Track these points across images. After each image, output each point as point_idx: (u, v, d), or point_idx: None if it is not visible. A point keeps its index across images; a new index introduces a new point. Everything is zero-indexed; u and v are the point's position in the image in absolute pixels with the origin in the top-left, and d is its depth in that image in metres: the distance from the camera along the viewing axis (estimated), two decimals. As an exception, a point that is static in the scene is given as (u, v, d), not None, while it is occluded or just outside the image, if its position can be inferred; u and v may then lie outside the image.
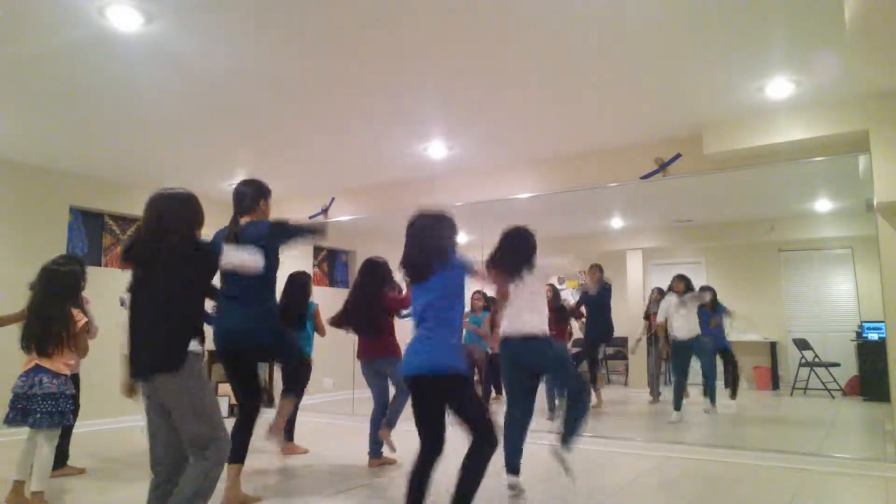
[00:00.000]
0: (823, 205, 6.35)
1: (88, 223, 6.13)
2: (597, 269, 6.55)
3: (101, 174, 5.97)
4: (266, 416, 6.04)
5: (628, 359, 8.18)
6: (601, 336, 6.60)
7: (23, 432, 3.24)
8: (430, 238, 2.63)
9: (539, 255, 3.41)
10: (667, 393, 6.59)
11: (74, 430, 3.99)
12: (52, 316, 3.20)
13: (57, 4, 2.90)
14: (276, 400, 3.45)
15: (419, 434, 2.58)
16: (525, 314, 3.27)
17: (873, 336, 6.25)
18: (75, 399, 3.32)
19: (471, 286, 5.47)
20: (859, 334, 6.57)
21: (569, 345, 6.55)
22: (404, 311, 4.29)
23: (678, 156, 4.84)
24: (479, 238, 5.21)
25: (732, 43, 3.36)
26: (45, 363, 3.17)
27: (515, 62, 3.59)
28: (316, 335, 4.83)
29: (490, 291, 3.72)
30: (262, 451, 4.65)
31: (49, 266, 3.32)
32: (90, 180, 6.01)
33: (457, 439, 2.57)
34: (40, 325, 3.18)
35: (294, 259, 6.19)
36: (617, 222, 7.64)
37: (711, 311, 6.17)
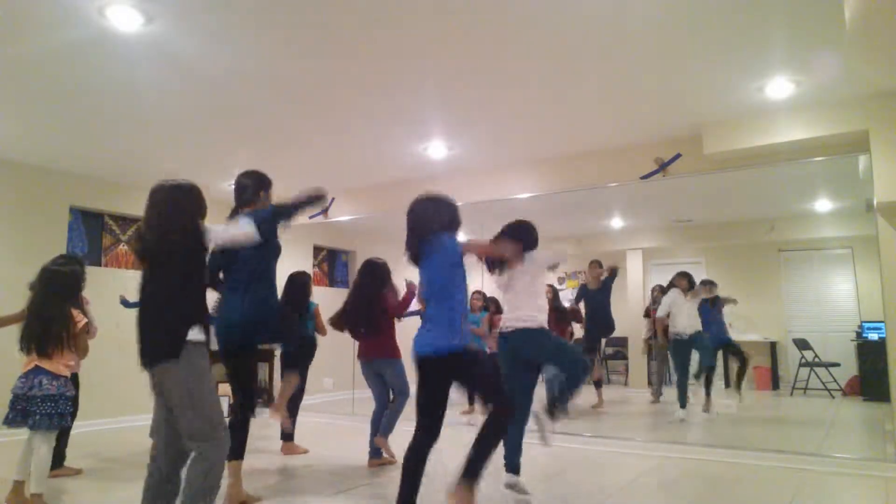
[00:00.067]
0: (823, 205, 6.35)
1: (88, 223, 6.13)
2: (596, 264, 6.56)
3: (101, 174, 5.97)
4: (265, 416, 6.07)
5: (628, 359, 8.18)
6: (601, 332, 6.61)
7: (23, 432, 3.24)
8: (422, 220, 2.73)
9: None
10: (668, 393, 6.59)
11: (74, 431, 3.99)
12: (52, 316, 3.20)
13: (57, 4, 2.90)
14: (278, 419, 3.46)
15: (418, 418, 2.62)
16: (524, 308, 3.27)
17: (873, 336, 6.26)
18: (74, 400, 3.32)
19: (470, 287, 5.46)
20: (859, 334, 6.58)
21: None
22: (407, 311, 4.30)
23: (678, 156, 4.84)
24: (478, 238, 5.21)
25: (732, 43, 3.36)
26: (45, 364, 3.17)
27: (515, 62, 3.59)
28: (316, 335, 4.83)
29: (489, 287, 3.70)
30: (263, 451, 4.65)
31: (49, 266, 3.31)
32: (90, 180, 6.01)
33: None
34: (40, 325, 3.18)
35: (294, 259, 6.20)
36: (617, 222, 7.64)
37: (712, 305, 6.18)
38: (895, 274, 4.02)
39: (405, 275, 4.06)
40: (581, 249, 7.74)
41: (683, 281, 5.93)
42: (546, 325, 3.31)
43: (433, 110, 4.39)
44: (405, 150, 5.24)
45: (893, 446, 4.03)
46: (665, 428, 5.55)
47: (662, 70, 3.72)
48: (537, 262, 3.36)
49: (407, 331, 4.06)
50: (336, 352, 5.14)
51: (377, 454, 4.14)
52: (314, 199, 3.19)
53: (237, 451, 3.18)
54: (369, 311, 4.15)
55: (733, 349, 6.23)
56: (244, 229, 2.63)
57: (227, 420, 2.50)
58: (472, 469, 2.47)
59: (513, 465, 3.30)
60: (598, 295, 6.50)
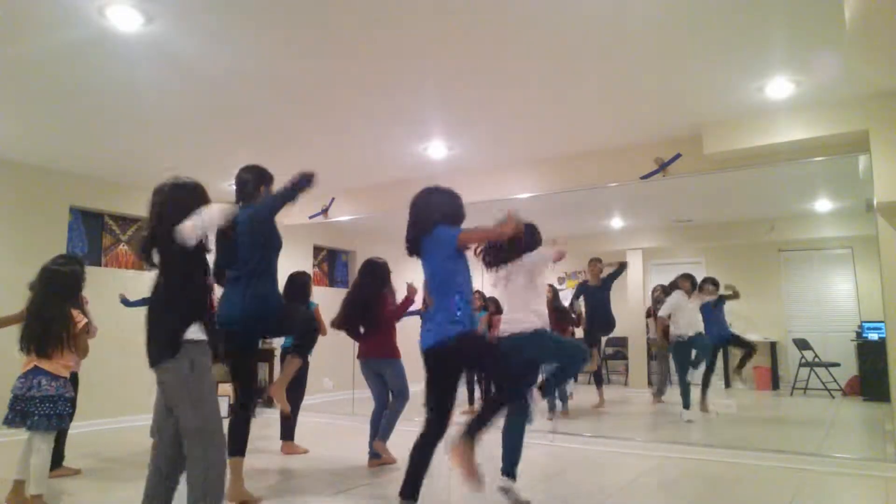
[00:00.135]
0: (823, 205, 6.35)
1: (88, 223, 6.13)
2: (596, 262, 6.56)
3: (101, 174, 5.97)
4: (265, 416, 6.06)
5: (628, 359, 8.18)
6: (602, 329, 6.61)
7: (23, 432, 3.24)
8: (424, 213, 2.75)
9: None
10: (668, 393, 6.59)
11: (74, 431, 3.99)
12: (52, 316, 3.19)
13: (57, 4, 2.89)
14: (276, 401, 3.45)
15: (427, 411, 2.63)
16: (519, 310, 3.24)
17: (873, 336, 6.25)
18: (72, 401, 3.31)
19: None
20: (859, 334, 6.58)
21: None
22: (408, 310, 4.30)
23: (678, 156, 4.84)
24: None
25: (732, 43, 3.36)
26: (44, 365, 3.16)
27: (515, 62, 3.59)
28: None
29: (489, 287, 3.68)
30: (263, 451, 4.65)
31: (49, 266, 3.31)
32: (90, 180, 6.01)
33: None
34: (40, 325, 3.17)
35: (294, 259, 6.20)
36: (617, 222, 7.64)
37: (714, 305, 6.18)
38: (895, 274, 4.02)
39: (406, 275, 4.06)
40: (580, 250, 7.74)
41: (687, 283, 5.97)
42: (543, 326, 3.26)
43: (433, 110, 4.39)
44: (405, 150, 5.24)
45: (893, 446, 4.03)
46: (665, 428, 5.55)
47: (662, 70, 3.72)
48: (526, 266, 3.32)
49: (407, 331, 4.07)
50: (336, 352, 5.14)
51: (377, 456, 4.14)
52: (303, 184, 3.10)
53: (239, 449, 3.20)
54: (366, 310, 4.15)
55: (737, 341, 6.24)
56: (219, 206, 2.41)
57: (227, 419, 2.51)
58: (471, 429, 2.52)
59: (509, 470, 3.19)
60: (598, 292, 6.50)
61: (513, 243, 3.19)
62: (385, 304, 4.22)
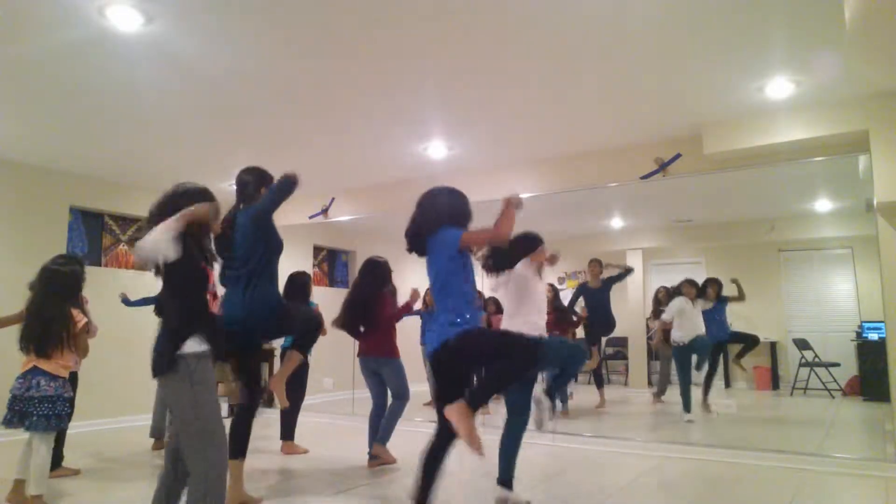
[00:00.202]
0: (823, 205, 6.34)
1: (88, 223, 6.13)
2: (596, 263, 6.56)
3: (101, 174, 5.97)
4: (265, 416, 6.06)
5: (628, 359, 8.18)
6: (602, 330, 6.61)
7: (23, 432, 3.24)
8: (430, 213, 2.72)
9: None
10: (669, 393, 6.59)
11: (74, 431, 3.99)
12: (52, 316, 3.19)
13: (57, 4, 2.89)
14: (276, 400, 3.45)
15: (438, 418, 2.58)
16: (516, 317, 3.22)
17: (873, 336, 6.25)
18: (71, 401, 3.30)
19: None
20: (859, 334, 6.57)
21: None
22: (410, 310, 4.30)
23: (678, 156, 4.84)
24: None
25: (732, 43, 3.36)
26: (43, 365, 3.16)
27: (515, 62, 3.59)
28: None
29: (488, 285, 3.67)
30: (263, 451, 4.65)
31: (49, 266, 3.31)
32: (90, 180, 6.01)
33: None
34: (40, 325, 3.17)
35: (294, 259, 6.19)
36: (617, 222, 7.63)
37: (714, 306, 6.19)
38: (895, 274, 4.02)
39: (406, 274, 4.07)
40: (580, 250, 7.74)
41: (692, 290, 5.99)
42: (542, 332, 3.22)
43: (433, 110, 4.39)
44: (405, 150, 5.24)
45: (893, 446, 4.02)
46: (665, 428, 5.55)
47: (662, 70, 3.71)
48: (518, 275, 3.28)
49: (407, 331, 4.08)
50: (336, 352, 5.14)
51: (376, 458, 4.14)
52: (291, 183, 3.10)
53: (239, 451, 3.19)
54: (366, 310, 4.15)
55: (738, 337, 6.26)
56: (163, 226, 2.17)
57: (228, 419, 2.50)
58: (475, 398, 2.47)
59: (505, 480, 3.15)
60: (598, 293, 6.51)
61: (513, 249, 3.20)
62: (385, 303, 4.22)
